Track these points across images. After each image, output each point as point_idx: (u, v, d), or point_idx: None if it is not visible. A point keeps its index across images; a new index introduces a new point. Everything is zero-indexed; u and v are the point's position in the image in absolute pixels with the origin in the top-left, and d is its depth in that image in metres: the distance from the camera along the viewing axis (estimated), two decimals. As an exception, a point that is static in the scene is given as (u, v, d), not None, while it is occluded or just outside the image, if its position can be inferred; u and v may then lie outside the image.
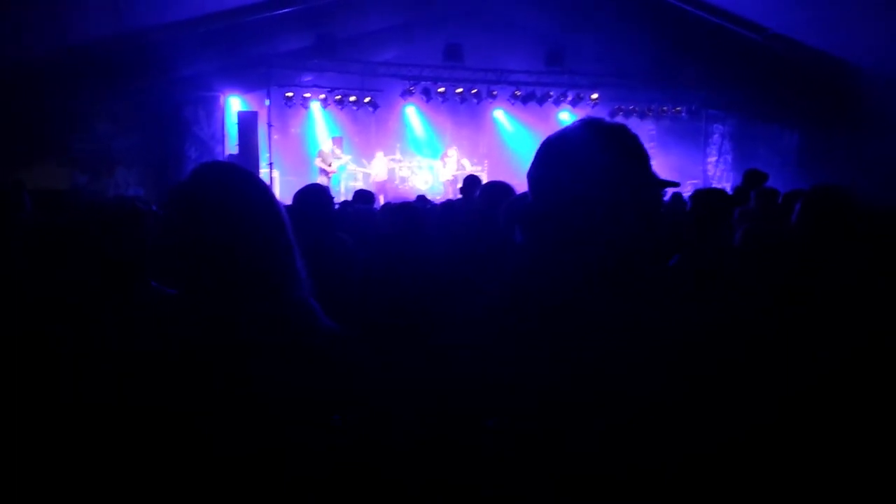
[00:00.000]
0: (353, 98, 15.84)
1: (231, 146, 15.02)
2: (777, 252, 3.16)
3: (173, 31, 10.23)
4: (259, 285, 1.55)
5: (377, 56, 15.55)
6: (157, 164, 13.23)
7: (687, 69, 15.02)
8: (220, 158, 14.33)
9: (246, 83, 15.07)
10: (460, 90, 16.09)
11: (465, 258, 3.35)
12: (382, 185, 16.42)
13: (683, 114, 17.09)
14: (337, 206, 5.64)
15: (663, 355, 1.34)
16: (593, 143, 1.39)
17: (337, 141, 17.00)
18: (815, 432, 2.19)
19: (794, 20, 10.54)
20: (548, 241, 1.41)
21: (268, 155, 14.62)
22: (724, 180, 16.33)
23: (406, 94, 15.92)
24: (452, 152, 17.05)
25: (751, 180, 6.45)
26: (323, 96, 15.80)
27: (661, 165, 14.25)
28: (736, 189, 6.67)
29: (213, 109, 15.20)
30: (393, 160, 17.24)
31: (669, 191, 6.24)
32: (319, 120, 17.26)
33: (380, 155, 16.95)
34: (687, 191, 4.67)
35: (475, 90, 16.14)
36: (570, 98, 16.51)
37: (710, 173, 17.19)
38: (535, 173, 1.44)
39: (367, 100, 15.92)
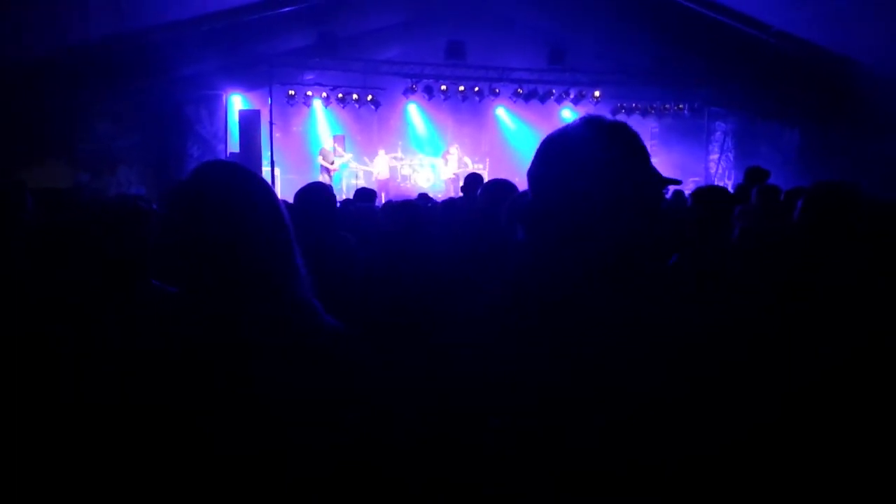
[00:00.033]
0: (355, 96, 15.88)
1: (233, 144, 15.05)
2: (777, 249, 3.15)
3: (175, 30, 10.24)
4: (261, 285, 1.55)
5: (379, 54, 15.56)
6: (159, 162, 13.25)
7: (689, 66, 15.00)
8: (222, 157, 14.37)
9: (248, 82, 15.09)
10: (462, 88, 16.08)
11: (466, 256, 3.35)
12: (385, 184, 16.43)
13: (685, 111, 17.08)
14: (338, 205, 5.64)
15: (664, 352, 1.34)
16: (594, 141, 1.39)
17: (339, 139, 17.02)
18: (815, 429, 2.18)
19: (797, 18, 10.52)
20: (548, 239, 1.41)
21: (270, 153, 14.64)
22: (725, 178, 16.33)
23: (408, 92, 15.92)
24: (454, 150, 17.06)
25: (752, 177, 6.45)
26: (325, 94, 15.83)
27: (663, 163, 14.28)
28: (738, 187, 6.67)
29: (215, 108, 15.22)
30: (395, 158, 17.25)
31: (671, 188, 6.24)
32: (321, 118, 17.29)
33: (382, 153, 16.97)
34: (689, 188, 4.66)
35: (477, 88, 16.14)
36: (572, 96, 16.51)
37: (711, 171, 17.19)
38: (535, 171, 1.44)
39: (369, 98, 15.96)
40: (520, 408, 1.30)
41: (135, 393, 1.44)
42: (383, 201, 9.59)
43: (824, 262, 2.81)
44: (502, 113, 18.50)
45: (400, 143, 17.72)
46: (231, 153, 14.86)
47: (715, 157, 17.24)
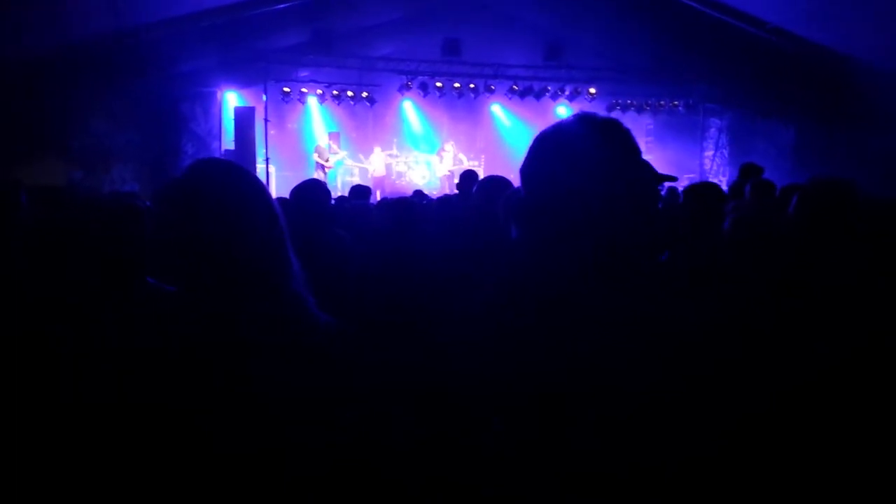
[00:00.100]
0: (350, 93, 15.85)
1: (228, 142, 15.02)
2: (770, 242, 3.14)
3: (170, 27, 10.21)
4: (259, 284, 1.55)
5: (374, 51, 15.54)
6: (154, 160, 13.21)
7: (685, 63, 15.01)
8: (217, 154, 14.35)
9: (243, 78, 15.06)
10: (458, 85, 16.07)
11: (462, 253, 3.35)
12: (380, 181, 16.43)
13: (681, 108, 17.09)
14: (333, 202, 5.64)
15: (658, 349, 1.34)
16: (587, 138, 1.39)
17: (334, 136, 17.00)
18: (810, 427, 2.19)
19: (793, 14, 10.52)
20: (541, 235, 1.41)
21: (264, 150, 14.62)
22: (720, 174, 16.34)
23: (403, 88, 15.91)
24: (449, 147, 17.05)
25: (747, 174, 6.45)
26: (320, 91, 15.80)
27: (658, 160, 14.28)
28: (732, 185, 6.66)
29: (209, 105, 15.19)
30: (390, 155, 17.24)
31: (666, 185, 6.24)
32: (316, 115, 17.27)
33: (378, 150, 16.96)
34: (683, 185, 4.66)
35: (473, 85, 16.13)
36: (567, 92, 16.51)
37: (706, 167, 17.19)
38: (529, 168, 1.44)
39: (364, 95, 15.93)
40: (516, 405, 1.31)
41: (133, 392, 1.45)
42: (378, 198, 9.59)
43: (820, 259, 2.80)
44: (498, 110, 18.49)
45: (395, 140, 17.71)
46: (226, 150, 14.84)
47: (710, 153, 17.24)
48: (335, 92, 15.75)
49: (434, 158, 17.31)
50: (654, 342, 1.35)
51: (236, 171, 1.64)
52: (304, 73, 15.67)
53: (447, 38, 15.09)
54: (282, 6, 11.40)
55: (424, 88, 15.91)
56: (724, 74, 14.82)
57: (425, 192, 9.99)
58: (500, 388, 1.31)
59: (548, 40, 15.66)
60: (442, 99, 16.56)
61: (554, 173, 1.39)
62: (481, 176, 5.57)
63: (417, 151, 17.92)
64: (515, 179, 1.60)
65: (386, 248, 3.84)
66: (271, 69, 14.55)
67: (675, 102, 17.01)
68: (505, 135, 18.64)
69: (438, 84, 15.95)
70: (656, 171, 1.85)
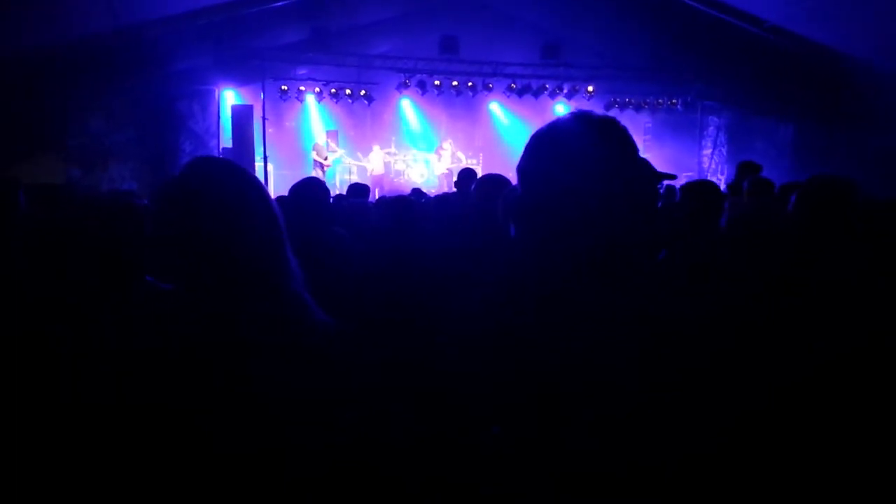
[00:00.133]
0: (348, 91, 15.83)
1: (226, 140, 14.99)
2: (768, 239, 3.14)
3: (168, 25, 10.20)
4: (259, 284, 1.55)
5: (372, 49, 15.53)
6: (152, 158, 13.20)
7: (683, 61, 15.01)
8: (215, 152, 14.33)
9: (241, 77, 15.03)
10: (456, 83, 16.06)
11: (460, 252, 3.35)
12: (378, 179, 16.42)
13: (679, 106, 17.08)
14: (331, 200, 5.63)
15: (656, 347, 1.34)
16: (584, 135, 1.39)
17: (332, 134, 16.99)
18: (807, 425, 2.20)
19: (792, 13, 10.50)
20: (538, 234, 1.41)
21: (262, 148, 14.60)
22: (719, 173, 16.34)
23: (401, 87, 15.89)
24: (448, 145, 17.06)
25: (744, 172, 6.44)
26: (318, 89, 15.77)
27: (657, 158, 14.27)
28: (730, 184, 6.66)
29: (207, 103, 15.16)
30: (388, 154, 17.23)
31: (664, 183, 6.23)
32: (314, 113, 17.26)
33: (376, 148, 16.95)
34: (681, 183, 4.66)
35: (471, 83, 16.12)
36: (565, 91, 16.50)
37: (705, 166, 17.18)
38: (525, 166, 1.44)
39: (362, 93, 15.91)
40: (514, 403, 1.31)
41: (133, 392, 1.45)
42: (377, 197, 9.59)
43: (819, 257, 2.80)
44: (496, 108, 18.49)
45: (393, 138, 17.71)
46: (224, 149, 14.82)
47: (708, 151, 17.24)
48: (333, 90, 15.73)
49: (432, 157, 17.32)
50: (653, 340, 1.35)
51: (234, 170, 1.64)
52: (301, 72, 15.65)
53: (445, 36, 15.08)
54: (279, 4, 11.40)
55: (422, 86, 15.90)
56: (722, 73, 14.82)
57: (424, 190, 9.99)
58: (498, 387, 1.32)
59: (546, 38, 15.66)
60: (440, 97, 16.55)
61: (550, 171, 1.39)
62: (479, 174, 5.56)
63: (416, 150, 17.92)
64: (514, 178, 1.60)
65: (384, 247, 3.84)
66: (269, 67, 14.52)
67: (674, 101, 17.00)
68: (503, 133, 18.64)
69: (436, 82, 15.93)
70: (655, 170, 1.85)
